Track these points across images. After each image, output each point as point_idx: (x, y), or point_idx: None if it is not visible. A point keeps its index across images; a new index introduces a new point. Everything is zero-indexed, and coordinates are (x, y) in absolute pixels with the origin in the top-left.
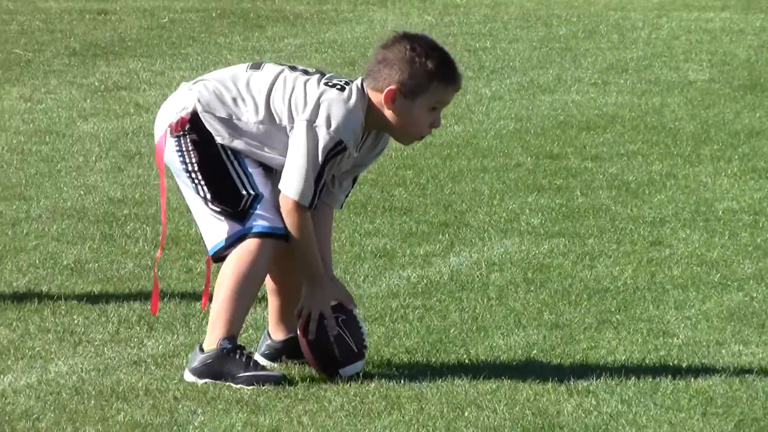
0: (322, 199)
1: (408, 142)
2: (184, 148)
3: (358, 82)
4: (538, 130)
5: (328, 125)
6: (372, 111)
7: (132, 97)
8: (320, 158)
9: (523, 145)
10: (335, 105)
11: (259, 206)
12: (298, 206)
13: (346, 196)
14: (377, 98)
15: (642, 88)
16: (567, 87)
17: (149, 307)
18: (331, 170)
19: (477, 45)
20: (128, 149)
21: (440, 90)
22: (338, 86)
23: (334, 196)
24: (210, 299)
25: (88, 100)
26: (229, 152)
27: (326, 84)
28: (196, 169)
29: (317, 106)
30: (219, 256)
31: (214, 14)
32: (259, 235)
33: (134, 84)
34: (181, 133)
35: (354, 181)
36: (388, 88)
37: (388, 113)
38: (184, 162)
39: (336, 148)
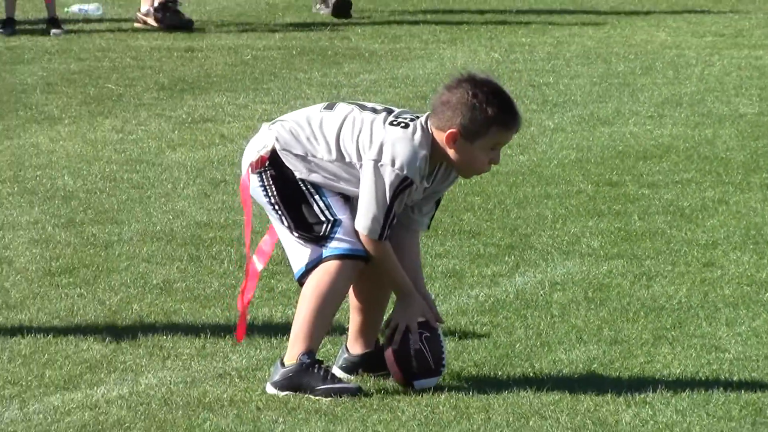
0: (407, 225)
1: (468, 176)
2: (265, 183)
3: (423, 119)
4: (598, 159)
5: (393, 164)
6: (436, 147)
7: (217, 128)
8: (388, 195)
9: (584, 173)
10: (399, 143)
11: (338, 231)
12: (370, 240)
13: (431, 218)
14: (440, 136)
15: (695, 120)
16: (625, 119)
17: (234, 331)
18: (401, 204)
19: (541, 80)
20: (214, 177)
21: (499, 134)
22: (402, 124)
23: (418, 221)
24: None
25: (176, 132)
26: (308, 184)
27: (391, 123)
28: (277, 200)
29: (382, 145)
30: (302, 281)
31: (294, 52)
32: (339, 257)
33: (219, 116)
34: (262, 169)
35: (437, 204)
36: (449, 131)
37: (450, 151)
38: (267, 195)
39: (402, 185)
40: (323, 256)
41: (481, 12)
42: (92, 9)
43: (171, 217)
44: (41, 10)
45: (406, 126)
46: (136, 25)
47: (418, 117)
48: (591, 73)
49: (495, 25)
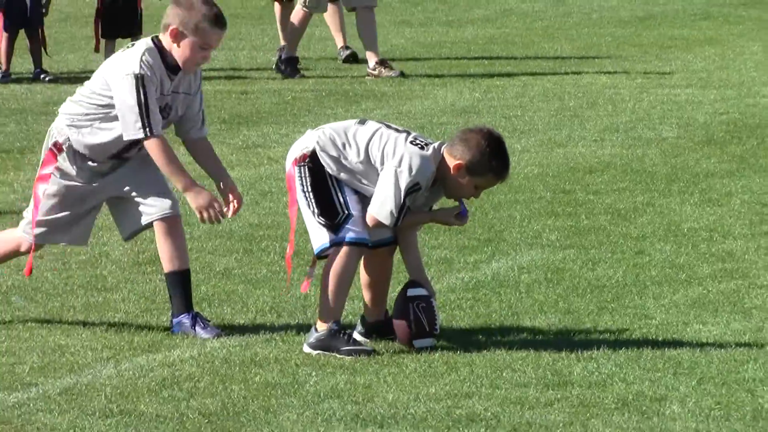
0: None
1: (451, 197)
2: (302, 174)
3: (437, 144)
4: (555, 173)
5: (410, 171)
6: (441, 167)
7: (265, 152)
8: (402, 193)
9: (544, 183)
10: (415, 157)
11: (350, 222)
12: (381, 224)
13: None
14: (449, 161)
15: (629, 143)
16: (575, 142)
17: (279, 299)
18: (408, 203)
19: (510, 113)
20: (263, 189)
21: (491, 180)
22: (420, 144)
23: None
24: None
25: (234, 155)
26: (335, 180)
27: (411, 142)
28: (309, 189)
29: (402, 156)
30: (320, 255)
31: (324, 93)
32: (349, 243)
33: (267, 143)
34: (302, 164)
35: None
36: (458, 161)
37: (450, 175)
38: (302, 184)
39: (413, 188)
40: (337, 241)
41: (467, 59)
42: None
43: (230, 220)
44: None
45: (422, 147)
46: (368, 78)
47: (431, 143)
48: (549, 108)
49: (476, 70)
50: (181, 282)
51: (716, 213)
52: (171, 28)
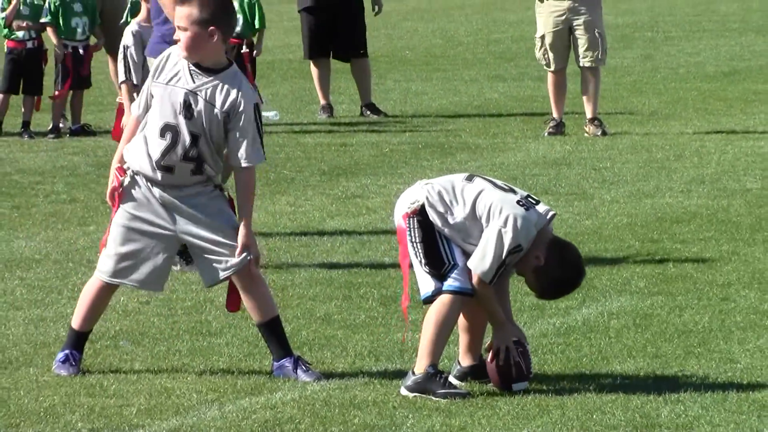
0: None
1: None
2: (412, 226)
3: (543, 209)
4: (643, 223)
5: (514, 232)
6: (536, 239)
7: (364, 202)
8: (504, 254)
9: (632, 233)
10: (520, 219)
11: (455, 272)
12: (482, 281)
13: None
14: (537, 252)
15: (714, 194)
16: (662, 193)
17: (377, 344)
18: (508, 262)
19: (600, 165)
20: (362, 238)
21: (542, 291)
22: (526, 206)
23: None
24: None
25: (333, 205)
26: (441, 234)
27: (518, 202)
28: (417, 241)
29: (508, 216)
30: (427, 301)
31: (420, 146)
32: (453, 292)
33: (365, 194)
34: (412, 217)
35: None
36: (538, 255)
37: (527, 258)
38: (410, 236)
39: (515, 249)
40: (443, 289)
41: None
42: (271, 115)
43: (330, 267)
44: None
45: (527, 209)
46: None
47: (539, 203)
48: (637, 160)
49: (567, 124)
50: (272, 330)
51: None
52: None
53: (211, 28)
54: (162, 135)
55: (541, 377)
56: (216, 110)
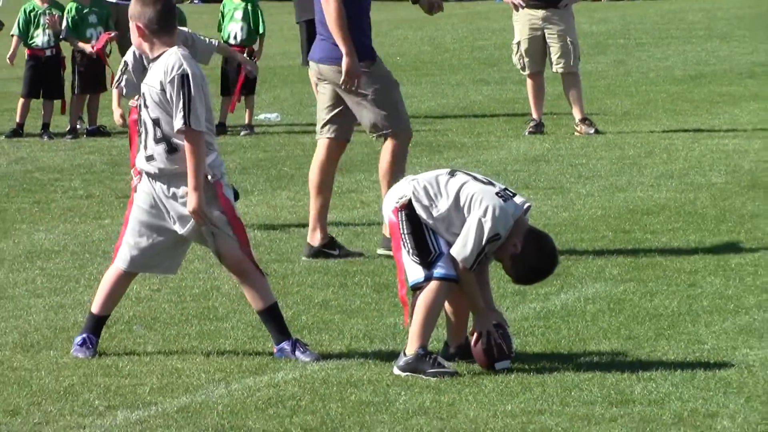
0: (483, 261)
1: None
2: (401, 219)
3: (519, 201)
4: (616, 215)
5: (493, 222)
6: (514, 228)
7: (358, 197)
8: (483, 241)
9: (606, 224)
10: (498, 209)
11: (441, 260)
12: (464, 268)
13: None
14: (514, 240)
15: (682, 188)
16: (634, 187)
17: (371, 327)
18: (487, 250)
19: (577, 162)
20: (356, 230)
21: (518, 276)
22: (504, 197)
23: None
24: (410, 316)
25: (330, 199)
26: (427, 226)
27: (497, 194)
28: (406, 233)
29: (487, 206)
30: (416, 287)
31: (410, 144)
32: (439, 279)
33: (360, 188)
34: (401, 211)
35: None
36: (515, 243)
37: (505, 246)
38: (400, 228)
39: (493, 237)
40: (432, 277)
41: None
42: (273, 116)
43: (327, 257)
44: (241, 118)
45: (506, 200)
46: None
47: (516, 195)
48: (610, 157)
49: (545, 123)
50: (270, 317)
51: (761, 250)
52: None
53: (136, 24)
54: (142, 131)
55: (523, 357)
56: (155, 89)
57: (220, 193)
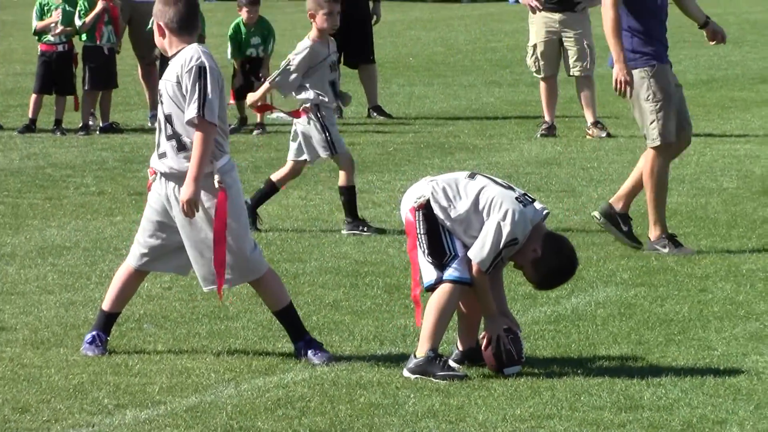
0: (498, 266)
1: (512, 260)
2: (418, 219)
3: (539, 206)
4: None
5: (512, 226)
6: (531, 233)
7: (369, 197)
8: (501, 245)
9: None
10: (518, 214)
11: (455, 262)
12: (480, 270)
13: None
14: (533, 245)
15: (693, 192)
16: (645, 192)
17: (382, 329)
18: (505, 254)
19: (588, 165)
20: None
21: (536, 281)
22: (523, 203)
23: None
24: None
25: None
26: (444, 227)
27: (516, 198)
28: (422, 233)
29: (507, 210)
30: (429, 289)
31: (422, 145)
32: (452, 281)
33: (371, 189)
34: (419, 210)
35: None
36: (535, 248)
37: (532, 248)
38: (417, 227)
39: (512, 242)
40: (444, 279)
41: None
42: (285, 116)
43: (338, 257)
44: (253, 117)
45: (525, 205)
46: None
47: (535, 201)
48: (622, 160)
49: (558, 126)
50: (285, 316)
51: None
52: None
53: (158, 22)
54: (157, 128)
55: (533, 361)
56: (171, 83)
57: (220, 200)
